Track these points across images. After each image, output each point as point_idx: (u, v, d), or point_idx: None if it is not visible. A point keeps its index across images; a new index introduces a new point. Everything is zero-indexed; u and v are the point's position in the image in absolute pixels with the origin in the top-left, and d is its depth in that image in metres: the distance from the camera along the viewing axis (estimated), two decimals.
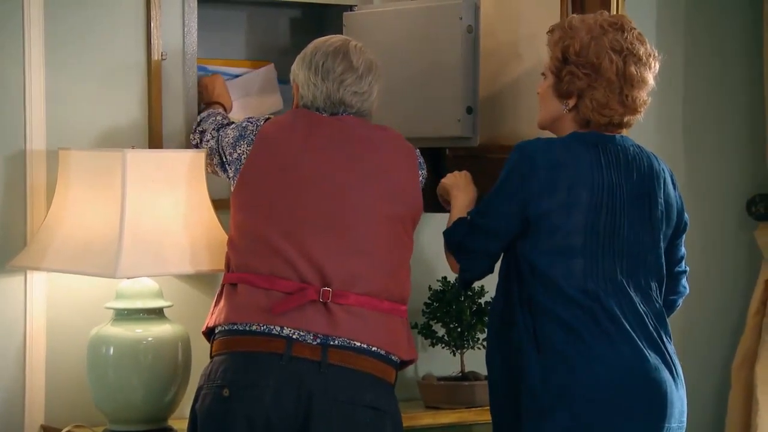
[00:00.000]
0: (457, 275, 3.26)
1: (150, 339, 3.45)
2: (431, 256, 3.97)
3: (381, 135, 3.27)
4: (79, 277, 3.54)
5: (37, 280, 3.65)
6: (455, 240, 3.17)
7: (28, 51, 3.64)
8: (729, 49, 4.38)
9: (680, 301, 3.33)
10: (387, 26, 3.94)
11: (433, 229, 4.06)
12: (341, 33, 4.09)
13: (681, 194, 3.24)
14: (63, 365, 3.67)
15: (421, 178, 3.29)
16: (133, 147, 3.68)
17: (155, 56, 3.79)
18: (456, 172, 3.40)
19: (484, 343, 3.57)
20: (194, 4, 3.89)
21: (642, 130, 4.18)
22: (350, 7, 4.11)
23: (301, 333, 3.03)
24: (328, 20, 4.34)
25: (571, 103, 3.08)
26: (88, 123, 3.72)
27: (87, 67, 3.73)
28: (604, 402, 2.96)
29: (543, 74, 3.16)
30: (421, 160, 3.32)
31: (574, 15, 3.20)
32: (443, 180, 3.41)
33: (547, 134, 3.19)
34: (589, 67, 3.04)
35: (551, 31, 3.14)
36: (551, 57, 3.11)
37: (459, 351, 3.93)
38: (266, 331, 3.05)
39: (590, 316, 3.00)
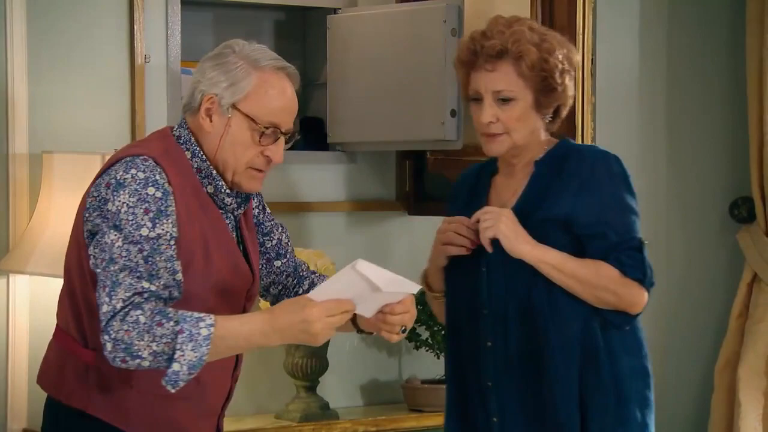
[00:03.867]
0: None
1: None
2: (414, 259, 3.98)
3: None
4: (62, 281, 3.53)
5: (20, 283, 3.64)
6: (651, 273, 2.87)
7: (11, 54, 3.64)
8: (712, 53, 4.39)
9: None
10: (371, 29, 3.94)
11: (414, 233, 4.07)
12: (325, 36, 4.10)
13: None
14: None
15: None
16: (115, 150, 3.67)
17: (138, 59, 3.78)
18: (499, 216, 2.83)
19: None
20: (177, 7, 3.89)
21: (625, 134, 4.20)
22: (334, 10, 4.11)
23: None
24: (312, 23, 4.34)
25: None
26: (72, 126, 3.72)
27: (70, 71, 3.72)
28: None
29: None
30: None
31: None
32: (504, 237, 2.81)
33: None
34: None
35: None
36: None
37: (442, 354, 3.93)
38: None
39: None
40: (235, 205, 2.64)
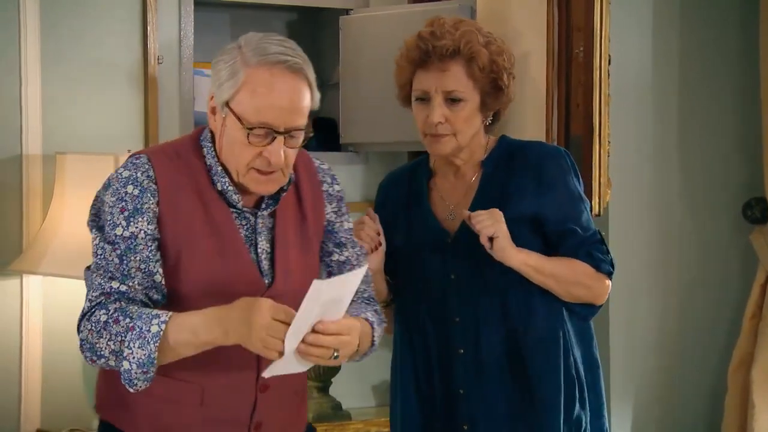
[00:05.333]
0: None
1: None
2: None
3: None
4: (75, 281, 3.53)
5: (34, 283, 3.65)
6: (610, 262, 2.90)
7: (24, 56, 3.64)
8: (724, 53, 4.38)
9: None
10: (383, 30, 3.94)
11: None
12: (338, 37, 4.10)
13: None
14: (59, 369, 3.67)
15: None
16: (129, 151, 3.68)
17: (151, 60, 3.79)
18: (492, 218, 2.81)
19: None
20: (190, 8, 3.90)
21: (638, 134, 4.19)
22: (346, 11, 4.11)
23: None
24: (325, 24, 4.35)
25: None
26: (85, 127, 3.73)
27: (83, 72, 3.73)
28: None
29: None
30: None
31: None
32: (500, 244, 2.80)
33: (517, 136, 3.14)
34: None
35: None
36: None
37: None
38: None
39: None
40: (254, 205, 2.53)
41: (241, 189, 2.51)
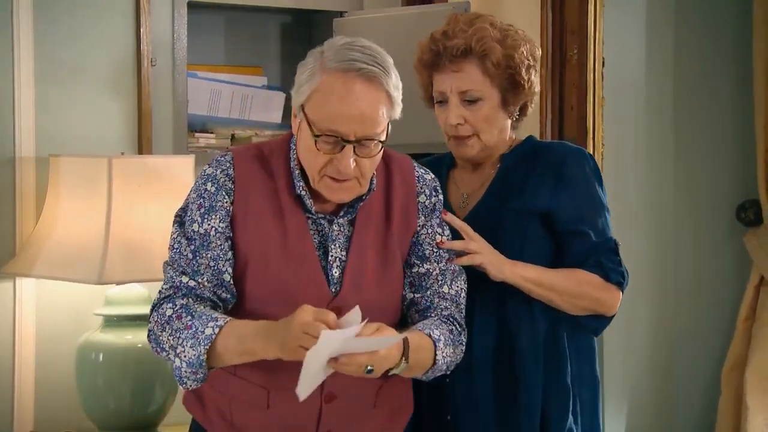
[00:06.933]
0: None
1: (139, 345, 3.44)
2: None
3: None
4: (69, 284, 3.53)
5: (27, 286, 3.64)
6: (627, 275, 2.85)
7: (18, 57, 3.64)
8: (718, 56, 4.38)
9: None
10: (378, 32, 3.94)
11: None
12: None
13: None
14: (52, 372, 3.66)
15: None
16: (122, 153, 3.68)
17: (145, 63, 3.78)
18: (478, 242, 2.74)
19: None
20: (184, 11, 3.89)
21: (632, 137, 4.19)
22: (341, 13, 4.11)
23: None
24: (319, 26, 4.34)
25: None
26: (78, 130, 3.72)
27: (77, 74, 3.73)
28: None
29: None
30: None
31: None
32: (484, 260, 2.73)
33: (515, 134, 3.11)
34: None
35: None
36: None
37: None
38: None
39: None
40: (333, 212, 2.49)
41: (320, 194, 2.47)
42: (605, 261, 2.76)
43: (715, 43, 4.38)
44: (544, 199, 2.76)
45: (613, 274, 2.76)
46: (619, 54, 4.04)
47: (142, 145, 3.77)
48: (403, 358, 2.37)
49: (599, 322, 2.81)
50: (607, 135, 3.57)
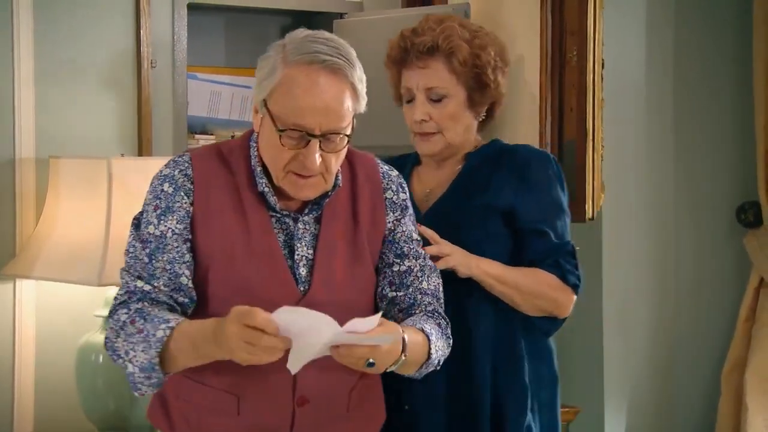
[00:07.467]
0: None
1: None
2: None
3: None
4: (68, 285, 3.53)
5: (27, 288, 3.65)
6: (578, 276, 2.84)
7: (18, 59, 3.64)
8: (718, 57, 4.38)
9: None
10: (378, 34, 3.93)
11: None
12: None
13: None
14: (52, 373, 3.67)
15: None
16: (122, 155, 3.68)
17: (145, 64, 3.79)
18: (446, 246, 2.78)
19: None
20: (184, 12, 3.89)
21: (632, 138, 4.19)
22: (340, 15, 4.11)
23: None
24: (319, 28, 4.33)
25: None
26: (78, 131, 3.72)
27: (77, 75, 3.73)
28: None
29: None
30: None
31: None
32: (451, 260, 2.76)
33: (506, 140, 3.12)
34: None
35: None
36: None
37: None
38: None
39: None
40: (298, 209, 2.43)
41: (284, 192, 2.41)
42: (563, 262, 2.79)
43: (715, 43, 4.39)
44: (507, 197, 2.79)
45: (571, 276, 2.79)
46: (619, 55, 4.05)
47: (142, 146, 3.78)
48: (403, 354, 2.33)
49: (552, 323, 2.83)
50: (607, 136, 3.57)
